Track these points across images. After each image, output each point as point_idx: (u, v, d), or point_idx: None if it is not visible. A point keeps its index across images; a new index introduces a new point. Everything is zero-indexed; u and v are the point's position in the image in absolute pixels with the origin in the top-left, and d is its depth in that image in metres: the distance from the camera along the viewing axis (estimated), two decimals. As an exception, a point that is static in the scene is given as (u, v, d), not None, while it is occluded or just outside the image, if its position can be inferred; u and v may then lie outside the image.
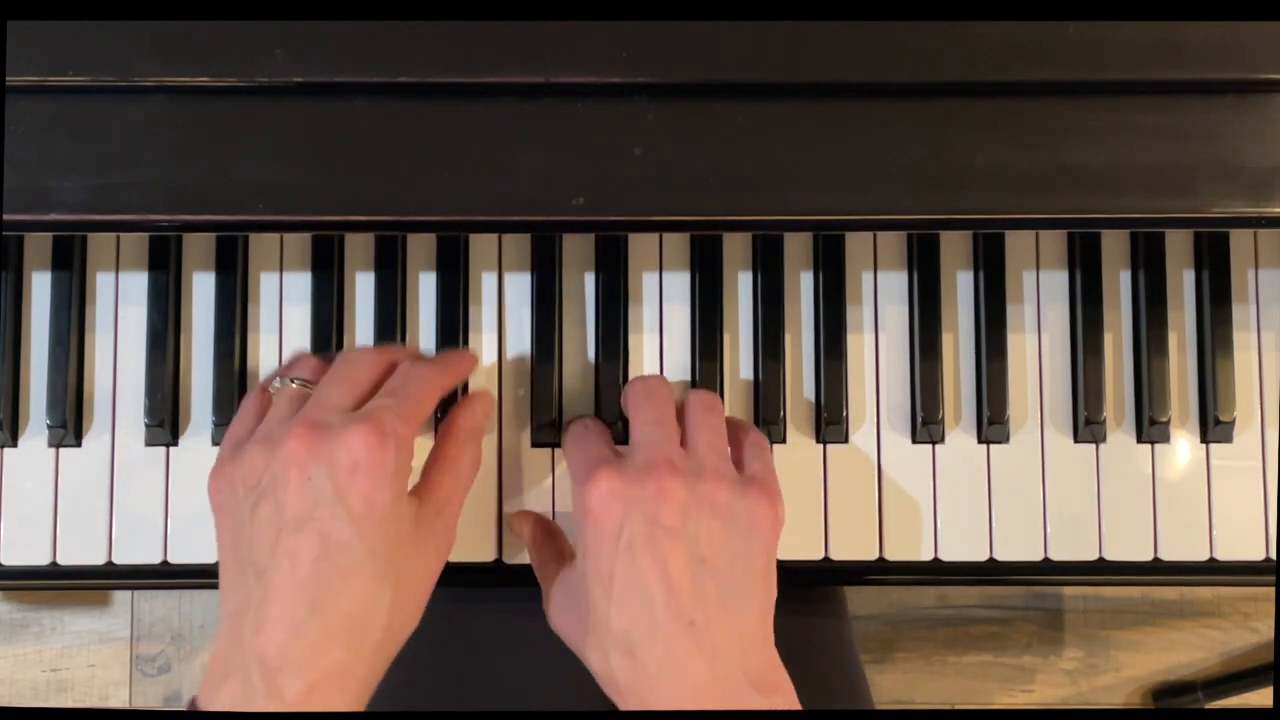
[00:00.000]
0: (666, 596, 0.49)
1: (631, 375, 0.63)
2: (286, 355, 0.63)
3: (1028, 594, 1.36)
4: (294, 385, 0.54)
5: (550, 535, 0.59)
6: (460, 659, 0.60)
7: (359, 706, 0.49)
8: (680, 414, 0.57)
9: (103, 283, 0.63)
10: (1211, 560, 0.63)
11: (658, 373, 0.63)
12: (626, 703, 0.50)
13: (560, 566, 0.56)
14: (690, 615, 0.49)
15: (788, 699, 0.50)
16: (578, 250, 0.64)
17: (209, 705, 0.48)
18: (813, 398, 0.63)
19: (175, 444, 0.63)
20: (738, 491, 0.52)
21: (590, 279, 0.64)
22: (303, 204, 0.54)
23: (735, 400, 0.63)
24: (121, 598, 1.37)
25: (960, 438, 0.63)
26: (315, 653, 0.48)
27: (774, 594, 0.53)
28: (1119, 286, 0.64)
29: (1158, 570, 0.63)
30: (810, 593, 0.73)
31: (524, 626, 0.66)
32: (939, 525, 0.63)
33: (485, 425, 0.59)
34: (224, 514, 0.52)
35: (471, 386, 0.63)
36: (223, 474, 0.52)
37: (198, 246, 0.63)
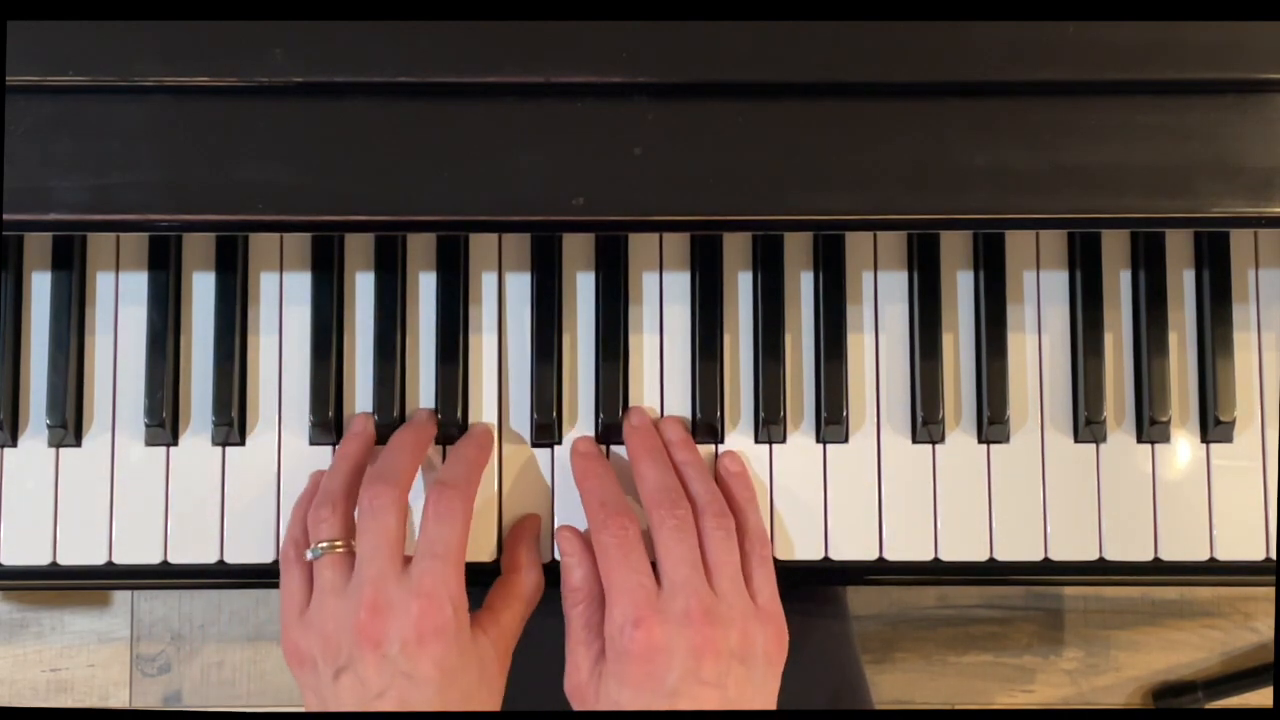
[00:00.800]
0: None
1: (632, 376, 0.63)
2: (287, 355, 0.63)
3: (1028, 594, 1.36)
4: (326, 549, 0.57)
5: (597, 604, 0.60)
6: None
7: None
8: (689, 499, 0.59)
9: (103, 283, 0.63)
10: (1211, 560, 0.63)
11: (658, 374, 0.63)
12: None
13: (595, 648, 0.58)
14: None
15: None
16: (578, 250, 0.64)
17: None
18: (813, 398, 0.63)
19: (175, 444, 0.63)
20: (757, 632, 0.57)
21: (590, 279, 0.64)
22: (303, 204, 0.54)
23: (735, 400, 0.63)
24: (121, 598, 1.37)
25: (960, 438, 0.63)
26: None
27: (775, 703, 0.58)
28: (1119, 286, 0.64)
29: (1158, 570, 0.63)
30: (811, 593, 0.73)
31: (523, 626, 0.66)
32: (939, 525, 0.63)
33: (538, 544, 0.62)
34: (306, 679, 0.57)
35: (472, 385, 0.63)
36: (298, 645, 0.56)
37: (198, 246, 0.63)
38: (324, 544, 0.57)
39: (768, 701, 0.57)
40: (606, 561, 0.57)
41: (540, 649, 0.61)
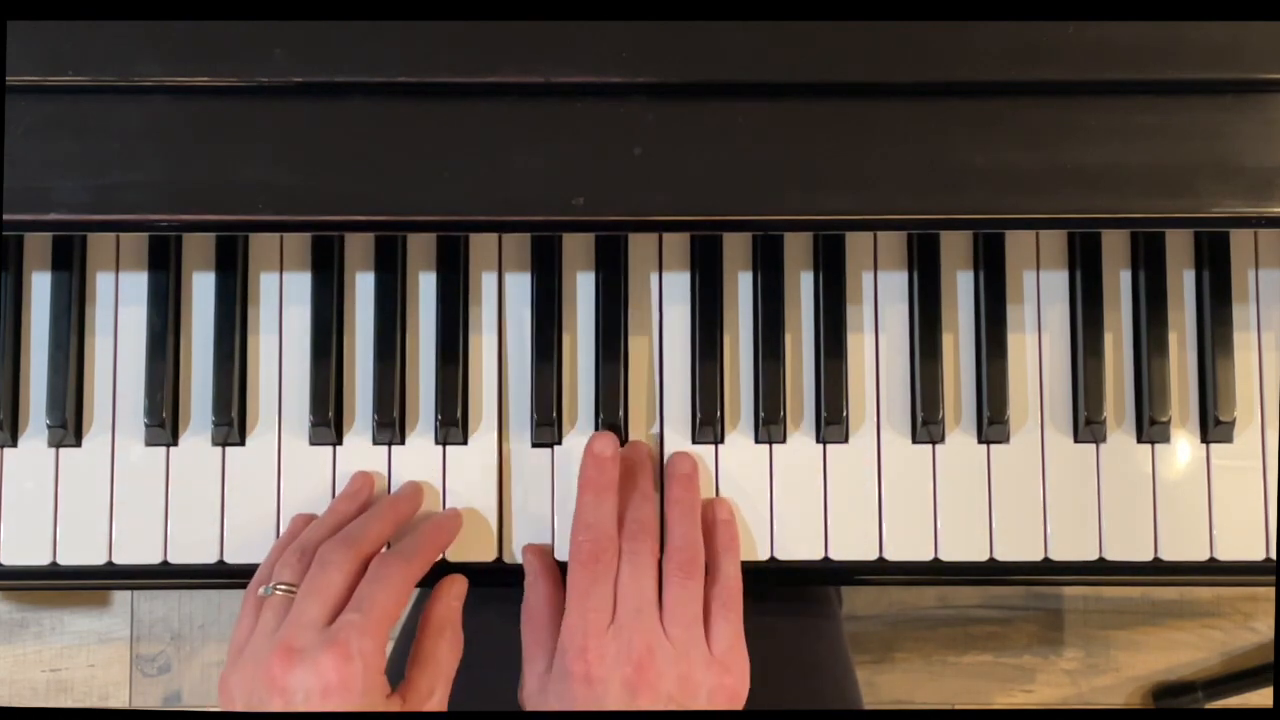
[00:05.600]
0: None
1: (632, 376, 0.63)
2: (287, 355, 0.63)
3: (1028, 594, 1.36)
4: (279, 592, 0.57)
5: (555, 609, 0.60)
6: (460, 659, 0.61)
7: None
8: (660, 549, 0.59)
9: (103, 283, 0.63)
10: (1211, 560, 0.63)
11: (657, 374, 0.63)
12: None
13: (541, 665, 0.58)
14: None
15: None
16: (578, 250, 0.64)
17: None
18: (813, 398, 0.63)
19: (175, 444, 0.63)
20: (703, 678, 0.57)
21: (590, 279, 0.64)
22: (303, 204, 0.54)
23: (735, 400, 0.63)
24: (121, 598, 1.37)
25: (960, 438, 0.63)
26: None
27: None
28: (1119, 286, 0.64)
29: (1158, 570, 0.63)
30: (798, 592, 0.73)
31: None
32: (939, 525, 0.63)
33: (459, 608, 0.61)
34: (229, 713, 0.56)
35: (472, 384, 0.63)
36: (226, 680, 0.56)
37: (198, 246, 0.63)
38: (280, 586, 0.57)
39: None
40: (572, 587, 0.58)
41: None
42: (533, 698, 0.58)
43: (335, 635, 0.54)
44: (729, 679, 0.58)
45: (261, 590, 0.57)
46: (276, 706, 0.53)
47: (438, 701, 0.58)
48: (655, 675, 0.56)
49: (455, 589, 0.61)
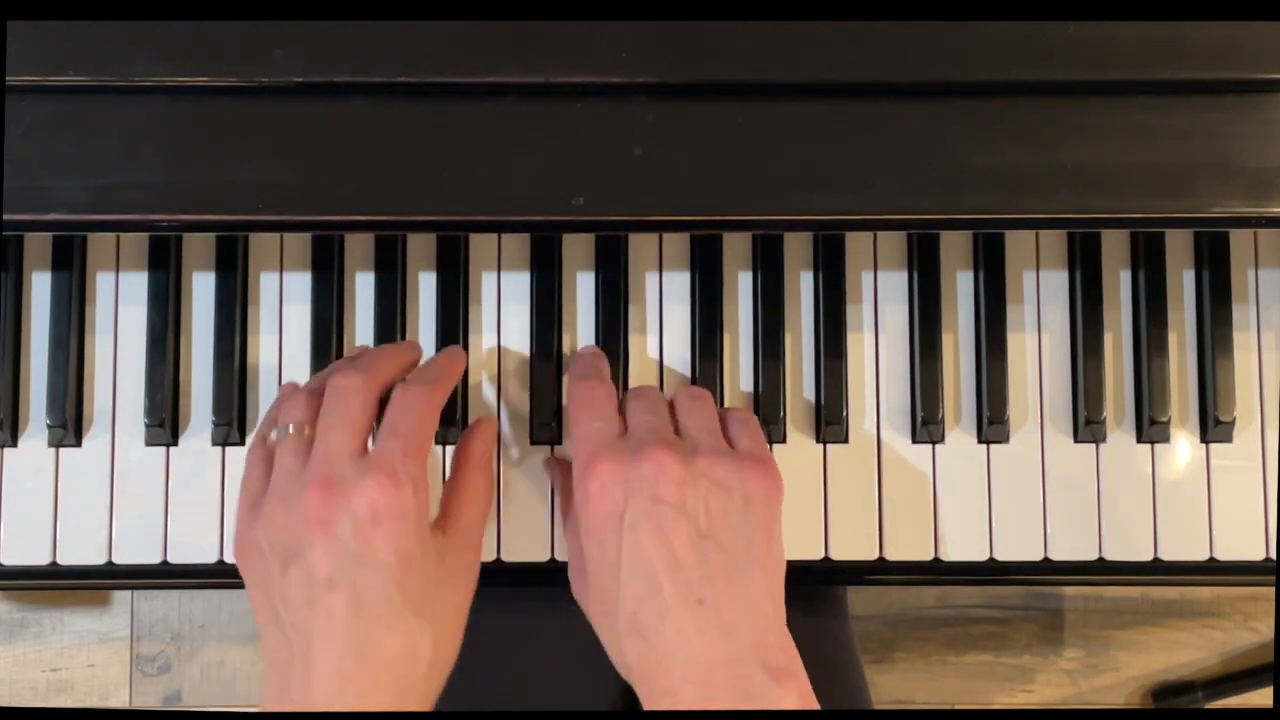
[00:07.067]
0: (671, 574, 0.49)
1: (632, 376, 0.63)
2: (287, 355, 0.63)
3: (1028, 594, 1.36)
4: (292, 432, 0.53)
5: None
6: (459, 659, 0.61)
7: None
8: (670, 409, 0.57)
9: (103, 283, 0.63)
10: (1211, 560, 0.63)
11: (657, 374, 0.63)
12: (640, 685, 0.50)
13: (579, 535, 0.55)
14: (698, 593, 0.49)
15: (799, 684, 0.50)
16: (578, 250, 0.64)
17: None
18: (813, 398, 0.63)
19: (175, 444, 0.63)
20: (733, 465, 0.52)
21: (590, 279, 0.64)
22: (303, 204, 0.54)
23: (735, 400, 0.63)
24: (121, 598, 1.37)
25: (960, 438, 0.63)
26: (366, 700, 0.48)
27: (782, 568, 0.53)
28: (1119, 286, 0.64)
29: (1158, 570, 0.63)
30: (810, 592, 0.73)
31: (524, 626, 0.66)
32: (939, 525, 0.63)
33: (494, 446, 0.59)
34: (253, 574, 0.52)
35: (472, 384, 0.63)
36: (246, 537, 0.52)
37: (198, 246, 0.63)
38: (291, 426, 0.53)
39: (758, 550, 0.51)
40: (573, 418, 0.55)
41: (540, 648, 0.61)
42: (575, 569, 0.55)
43: (378, 461, 0.50)
44: (760, 468, 0.53)
45: (274, 434, 0.53)
46: (319, 545, 0.49)
47: (476, 539, 0.55)
48: (677, 459, 0.50)
49: (487, 427, 0.59)
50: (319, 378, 0.57)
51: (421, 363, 0.60)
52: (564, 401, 0.59)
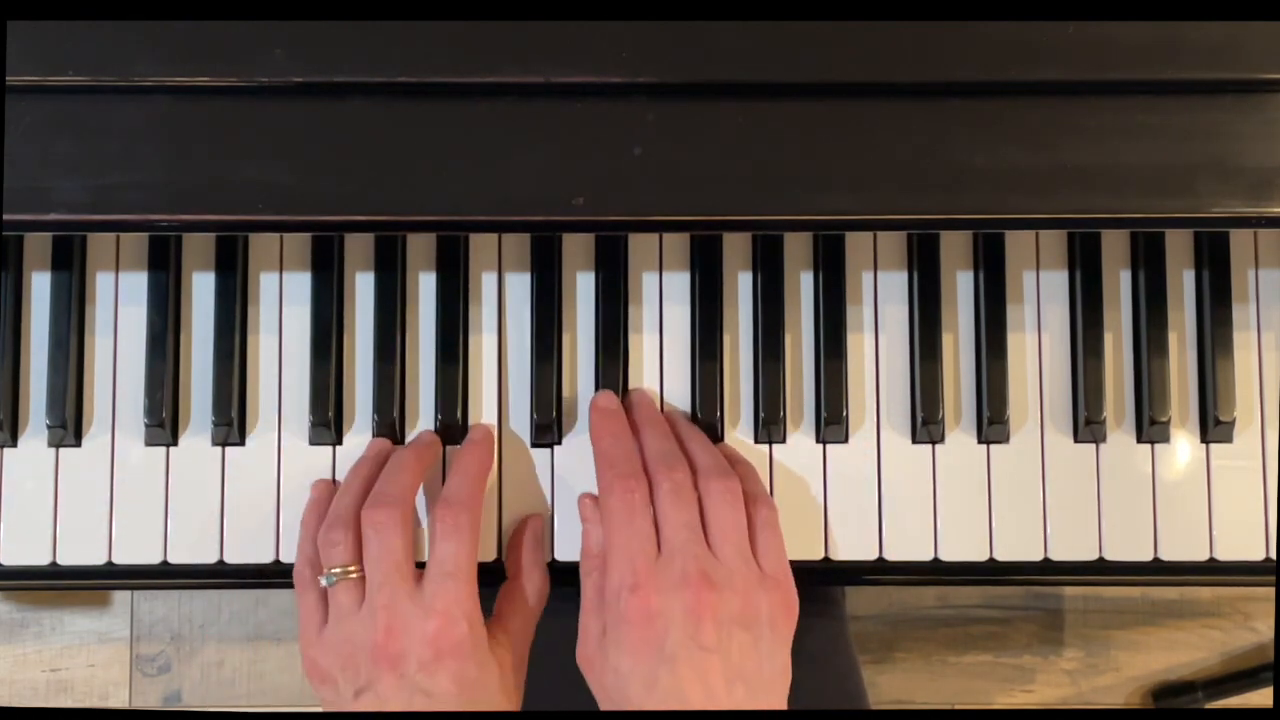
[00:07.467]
0: (705, 704, 0.53)
1: (632, 376, 0.63)
2: (287, 355, 0.63)
3: (1028, 594, 1.36)
4: (340, 576, 0.57)
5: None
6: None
7: None
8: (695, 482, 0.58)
9: (103, 283, 0.63)
10: (1211, 560, 0.63)
11: (658, 374, 0.63)
12: None
13: (605, 616, 0.57)
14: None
15: None
16: (578, 250, 0.64)
17: None
18: (813, 398, 0.63)
19: (175, 444, 0.63)
20: (761, 598, 0.56)
21: (590, 279, 0.64)
22: (303, 204, 0.54)
23: (735, 400, 0.63)
24: (121, 598, 1.37)
25: (960, 438, 0.63)
26: None
27: (788, 675, 0.57)
28: (1119, 286, 0.64)
29: (1158, 570, 0.63)
30: (807, 593, 0.73)
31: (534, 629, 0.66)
32: (939, 525, 0.63)
33: (546, 540, 0.62)
34: (326, 694, 0.57)
35: (472, 385, 0.63)
36: (318, 662, 0.57)
37: (198, 246, 0.63)
38: (337, 570, 0.57)
39: (777, 671, 0.56)
40: (609, 525, 0.57)
41: (541, 648, 0.61)
42: (593, 656, 0.57)
43: (434, 603, 0.55)
44: (781, 594, 0.57)
45: (323, 580, 0.57)
46: (387, 679, 0.54)
47: (529, 634, 0.60)
48: (717, 600, 0.54)
49: (536, 528, 0.62)
50: (348, 489, 0.59)
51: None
52: (597, 484, 0.60)
